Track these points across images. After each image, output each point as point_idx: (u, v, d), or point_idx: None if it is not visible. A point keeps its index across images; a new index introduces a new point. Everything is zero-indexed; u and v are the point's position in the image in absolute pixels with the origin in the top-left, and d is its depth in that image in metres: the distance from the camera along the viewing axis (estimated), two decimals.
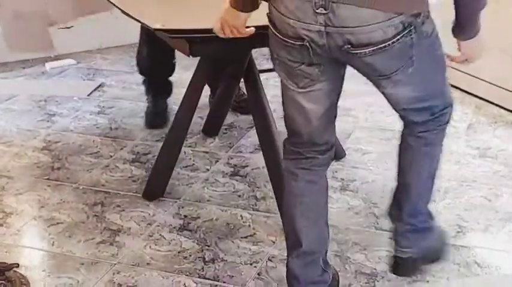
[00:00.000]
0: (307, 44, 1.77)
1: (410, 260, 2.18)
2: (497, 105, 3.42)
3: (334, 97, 2.01)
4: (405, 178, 2.18)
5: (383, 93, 2.02)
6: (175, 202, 2.73)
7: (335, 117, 2.08)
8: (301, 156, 2.02)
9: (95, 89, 3.90)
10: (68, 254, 2.42)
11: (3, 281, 1.88)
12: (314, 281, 2.07)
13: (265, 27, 2.13)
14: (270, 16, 1.87)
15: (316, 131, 1.99)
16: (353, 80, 3.85)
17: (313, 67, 1.84)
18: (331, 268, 2.14)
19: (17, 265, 1.93)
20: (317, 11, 1.70)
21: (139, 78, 4.02)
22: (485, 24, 3.40)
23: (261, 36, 2.24)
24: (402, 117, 2.12)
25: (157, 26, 2.09)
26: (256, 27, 2.14)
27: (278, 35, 1.84)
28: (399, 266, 2.21)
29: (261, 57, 3.47)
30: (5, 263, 1.90)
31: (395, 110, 2.10)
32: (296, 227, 2.04)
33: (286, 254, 2.30)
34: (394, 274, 2.23)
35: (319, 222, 2.08)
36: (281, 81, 1.97)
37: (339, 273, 2.22)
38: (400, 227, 2.18)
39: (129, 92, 3.86)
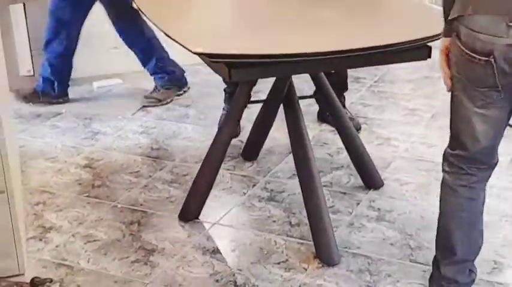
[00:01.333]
0: (493, 60, 1.79)
1: None
2: None
3: (506, 122, 2.00)
4: None
5: None
6: (211, 224, 2.74)
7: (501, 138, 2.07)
8: (462, 171, 2.04)
9: (139, 109, 3.95)
10: (102, 271, 2.44)
11: None
12: (463, 283, 2.16)
13: (307, 54, 2.15)
14: (457, 34, 1.89)
15: (483, 151, 2.01)
16: (391, 109, 3.86)
17: (493, 91, 1.86)
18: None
19: (51, 280, 1.95)
20: (510, 24, 1.74)
21: (184, 99, 4.07)
22: None
23: (302, 62, 2.27)
24: None
25: (199, 50, 2.11)
26: (297, 54, 2.16)
27: (464, 49, 1.85)
28: None
29: (302, 83, 3.47)
30: (39, 278, 1.92)
31: None
32: (452, 239, 2.10)
33: (317, 283, 2.31)
34: None
35: (474, 233, 2.14)
36: (455, 95, 1.98)
37: None
38: None
39: (171, 113, 3.89)
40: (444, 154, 2.10)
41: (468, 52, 1.84)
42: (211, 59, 2.19)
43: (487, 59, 1.80)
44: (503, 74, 1.81)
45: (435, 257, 2.19)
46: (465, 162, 2.02)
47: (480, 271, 2.34)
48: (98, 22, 4.36)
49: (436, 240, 2.20)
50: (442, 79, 2.04)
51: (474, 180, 2.04)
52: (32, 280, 1.89)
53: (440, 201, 2.17)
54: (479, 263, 2.38)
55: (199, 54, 2.13)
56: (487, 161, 2.04)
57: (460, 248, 2.10)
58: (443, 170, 2.12)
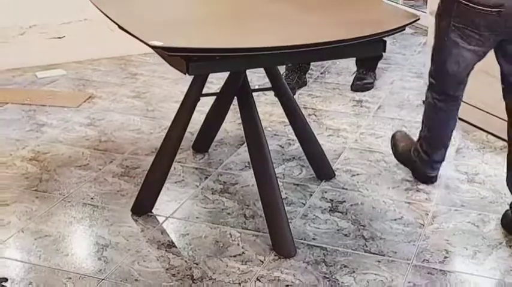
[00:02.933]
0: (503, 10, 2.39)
1: None
2: (485, 131, 3.44)
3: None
4: None
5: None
6: (164, 217, 2.72)
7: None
8: (448, 96, 2.78)
9: (85, 100, 3.88)
10: (55, 267, 2.39)
11: None
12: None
13: (260, 49, 2.15)
14: None
15: (465, 75, 2.72)
16: (339, 101, 3.92)
17: (493, 35, 2.50)
18: None
19: (6, 280, 1.90)
20: None
21: (130, 90, 4.03)
22: None
23: (256, 57, 2.27)
24: None
25: (155, 44, 2.08)
26: (252, 48, 2.16)
27: (473, 5, 2.43)
28: None
29: (254, 77, 3.49)
30: None
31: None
32: (443, 138, 2.89)
33: (274, 275, 2.32)
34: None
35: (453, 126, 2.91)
36: (450, 39, 2.58)
37: None
38: None
39: (119, 105, 3.85)
40: (429, 94, 2.81)
41: (480, 7, 2.42)
42: (169, 53, 2.16)
43: (498, 10, 2.39)
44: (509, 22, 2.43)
45: (422, 150, 2.88)
46: (450, 87, 2.74)
47: (432, 261, 2.42)
48: (41, 12, 4.29)
49: (427, 142, 2.88)
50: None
51: (453, 99, 2.80)
52: None
53: (427, 118, 2.88)
54: (432, 252, 2.46)
55: (157, 48, 2.10)
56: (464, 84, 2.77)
57: (447, 140, 2.90)
58: (431, 97, 2.80)
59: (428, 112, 2.89)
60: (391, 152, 3.12)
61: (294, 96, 3.59)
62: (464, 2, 2.45)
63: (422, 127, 2.93)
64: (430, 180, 2.97)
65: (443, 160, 2.94)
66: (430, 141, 2.89)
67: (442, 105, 2.81)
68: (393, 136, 3.15)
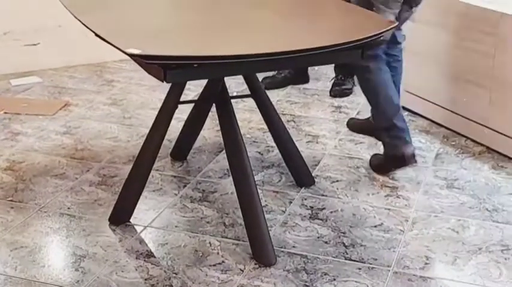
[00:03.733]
0: None
1: None
2: (464, 136, 3.47)
3: None
4: None
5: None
6: (143, 227, 2.70)
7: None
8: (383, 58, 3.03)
9: (61, 108, 3.86)
10: (31, 279, 2.36)
11: None
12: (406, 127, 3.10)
13: (238, 56, 2.15)
14: None
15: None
16: (317, 106, 3.94)
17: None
18: None
19: None
20: None
21: (107, 98, 4.02)
22: (459, 57, 3.52)
23: (233, 64, 2.27)
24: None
25: (132, 51, 2.07)
26: (229, 56, 2.15)
27: None
28: None
29: (233, 84, 3.49)
30: None
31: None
32: (394, 98, 3.05)
33: (255, 284, 2.31)
34: None
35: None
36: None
37: None
38: None
39: (96, 112, 3.83)
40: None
41: None
42: (146, 61, 2.15)
43: None
44: None
45: (388, 121, 3.02)
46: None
47: (413, 267, 2.43)
48: (15, 19, 4.26)
49: (384, 110, 3.05)
50: None
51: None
52: None
53: (376, 85, 3.05)
54: (412, 259, 2.47)
55: (134, 56, 2.09)
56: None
57: (398, 101, 3.06)
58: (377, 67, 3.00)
59: (375, 86, 3.08)
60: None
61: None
62: None
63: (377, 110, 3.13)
64: (413, 158, 3.03)
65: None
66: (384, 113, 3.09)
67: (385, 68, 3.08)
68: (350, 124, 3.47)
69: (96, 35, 2.31)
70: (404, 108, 3.70)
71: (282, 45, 2.21)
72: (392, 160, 3.06)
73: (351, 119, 3.63)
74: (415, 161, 3.05)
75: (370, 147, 3.39)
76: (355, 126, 3.53)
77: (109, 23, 2.46)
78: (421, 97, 3.68)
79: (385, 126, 3.06)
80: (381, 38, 2.42)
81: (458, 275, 2.39)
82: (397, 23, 2.52)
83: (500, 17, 3.15)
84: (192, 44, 2.29)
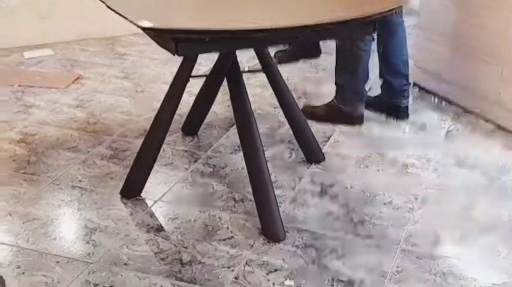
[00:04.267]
0: None
1: None
2: (475, 113, 3.46)
3: None
4: None
5: None
6: (153, 201, 2.72)
7: None
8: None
9: (73, 81, 3.86)
10: (43, 251, 2.38)
11: None
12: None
13: (250, 30, 2.14)
14: None
15: None
16: (328, 82, 3.91)
17: None
18: None
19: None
20: None
21: (119, 71, 4.01)
22: (470, 33, 3.48)
23: (245, 38, 2.26)
24: None
25: (144, 24, 2.07)
26: (240, 31, 2.14)
27: None
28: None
29: (244, 59, 3.47)
30: None
31: None
32: (367, 71, 3.36)
33: (263, 259, 2.32)
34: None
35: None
36: None
37: (315, 280, 2.23)
38: None
39: (108, 86, 3.84)
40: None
41: None
42: (159, 34, 2.15)
43: None
44: None
45: (360, 86, 3.34)
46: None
47: (421, 245, 2.43)
48: None
49: (360, 78, 3.32)
50: None
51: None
52: None
53: (361, 58, 3.28)
54: (420, 237, 2.47)
55: (147, 29, 2.09)
56: None
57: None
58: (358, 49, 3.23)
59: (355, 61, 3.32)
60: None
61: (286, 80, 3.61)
62: None
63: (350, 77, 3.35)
64: (362, 118, 3.38)
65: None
66: (357, 79, 3.35)
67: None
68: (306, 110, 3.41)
69: (109, 7, 2.30)
70: (415, 84, 3.73)
71: (295, 19, 2.22)
72: (345, 116, 3.35)
73: (307, 106, 3.51)
74: (361, 122, 3.38)
75: (384, 122, 3.40)
76: (315, 113, 3.43)
77: None
78: (432, 73, 3.66)
79: (354, 90, 3.31)
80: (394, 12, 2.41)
81: (467, 254, 2.40)
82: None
83: None
84: (203, 18, 2.28)
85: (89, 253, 2.37)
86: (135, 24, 2.07)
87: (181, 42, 2.15)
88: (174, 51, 2.17)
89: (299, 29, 2.17)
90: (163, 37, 2.18)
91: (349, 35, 2.69)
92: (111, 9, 2.28)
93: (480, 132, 3.30)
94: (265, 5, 2.41)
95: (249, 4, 2.41)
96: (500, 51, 3.24)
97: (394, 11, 2.36)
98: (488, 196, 2.75)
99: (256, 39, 2.30)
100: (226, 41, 2.28)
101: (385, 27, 3.20)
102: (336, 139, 3.23)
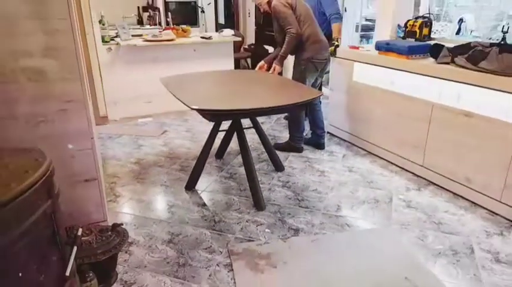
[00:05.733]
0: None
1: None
2: (357, 146, 3.41)
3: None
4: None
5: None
6: (201, 191, 2.66)
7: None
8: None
9: (162, 133, 3.85)
10: (147, 217, 2.34)
11: (115, 233, 1.84)
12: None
13: (247, 109, 2.13)
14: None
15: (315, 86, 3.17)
16: (286, 133, 3.85)
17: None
18: None
19: (122, 224, 1.88)
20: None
21: (185, 129, 3.98)
22: (354, 105, 3.41)
23: (244, 113, 2.25)
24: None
25: (194, 107, 2.07)
26: (242, 109, 2.12)
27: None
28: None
29: (245, 121, 3.46)
30: (116, 223, 1.85)
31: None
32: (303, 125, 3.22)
33: (255, 219, 2.28)
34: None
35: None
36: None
37: (280, 229, 2.19)
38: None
39: (180, 134, 3.79)
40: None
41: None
42: (202, 111, 2.16)
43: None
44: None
45: (300, 133, 3.19)
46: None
47: (331, 210, 2.40)
48: (142, 88, 4.22)
49: (301, 130, 3.18)
50: None
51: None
52: (113, 224, 1.83)
53: (301, 119, 3.16)
54: (331, 206, 2.43)
55: (194, 109, 2.09)
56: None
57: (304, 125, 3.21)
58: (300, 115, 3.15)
59: (299, 122, 3.20)
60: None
61: (264, 129, 3.58)
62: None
63: (296, 130, 3.21)
64: (302, 149, 3.26)
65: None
66: (300, 130, 3.21)
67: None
68: (275, 145, 3.31)
69: (178, 99, 2.31)
70: (328, 132, 3.68)
71: (269, 103, 2.21)
72: (295, 148, 3.25)
73: (275, 143, 3.36)
74: (302, 151, 3.26)
75: (313, 151, 3.34)
76: (279, 146, 3.30)
77: (183, 93, 2.44)
78: (337, 127, 3.66)
79: (298, 135, 3.23)
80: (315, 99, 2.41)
81: (355, 215, 2.37)
82: (322, 93, 2.50)
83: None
84: (223, 103, 2.27)
85: (169, 217, 2.35)
86: (188, 106, 2.07)
87: (212, 115, 2.16)
88: (209, 119, 2.19)
89: (272, 108, 2.17)
90: (203, 112, 2.17)
91: (295, 110, 2.70)
92: (178, 99, 2.28)
93: (359, 155, 3.27)
94: (255, 97, 2.40)
95: (247, 96, 2.41)
96: (371, 115, 3.18)
97: (315, 99, 2.39)
98: (362, 186, 2.72)
99: (250, 113, 2.32)
100: (235, 114, 2.27)
101: (311, 105, 3.21)
102: (289, 159, 3.20)
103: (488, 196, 2.36)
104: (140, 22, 5.69)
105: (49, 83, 1.81)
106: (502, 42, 2.53)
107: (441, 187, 2.66)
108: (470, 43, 2.47)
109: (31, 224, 1.20)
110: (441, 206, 2.43)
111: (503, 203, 2.29)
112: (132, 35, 4.35)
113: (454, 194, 2.57)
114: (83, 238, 1.73)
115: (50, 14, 1.72)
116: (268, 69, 3.10)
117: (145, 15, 5.71)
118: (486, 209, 2.39)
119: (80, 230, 1.60)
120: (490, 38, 3.24)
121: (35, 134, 1.84)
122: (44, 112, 1.84)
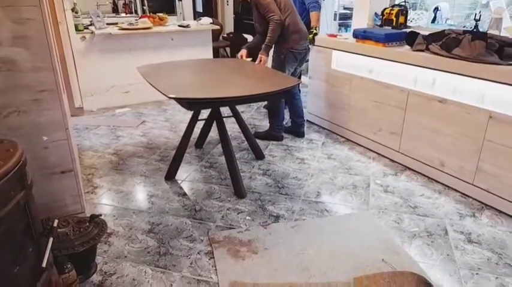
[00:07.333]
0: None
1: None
2: (336, 133, 3.44)
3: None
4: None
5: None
6: (181, 181, 2.64)
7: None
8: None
9: (140, 123, 3.80)
10: (126, 207, 2.32)
11: (93, 224, 1.81)
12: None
13: (226, 97, 2.12)
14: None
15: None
16: (266, 121, 3.87)
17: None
18: None
19: (100, 215, 1.86)
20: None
21: (164, 118, 3.93)
22: (334, 95, 3.46)
23: (223, 101, 2.23)
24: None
25: (171, 96, 2.05)
26: (221, 97, 2.12)
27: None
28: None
29: (224, 110, 3.46)
30: (94, 214, 1.83)
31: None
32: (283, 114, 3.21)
33: (236, 207, 2.30)
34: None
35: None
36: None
37: (261, 216, 2.20)
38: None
39: (158, 124, 3.75)
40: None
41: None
42: (180, 100, 2.13)
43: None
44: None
45: (280, 122, 3.18)
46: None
47: (311, 197, 2.42)
48: (118, 78, 4.14)
49: (280, 118, 3.16)
50: None
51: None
52: (91, 215, 1.80)
53: (280, 108, 3.15)
54: (311, 193, 2.46)
55: (172, 98, 2.06)
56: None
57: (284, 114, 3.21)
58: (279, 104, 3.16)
59: (278, 110, 3.19)
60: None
61: (244, 118, 3.58)
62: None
63: (276, 118, 3.18)
64: (282, 138, 3.25)
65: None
66: (280, 119, 3.19)
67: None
68: (255, 134, 3.28)
69: (154, 87, 2.27)
70: (307, 120, 3.70)
71: (248, 91, 2.21)
72: (275, 137, 3.24)
73: (256, 132, 3.35)
74: (282, 139, 3.25)
75: (293, 139, 3.34)
76: (259, 135, 3.30)
77: (161, 82, 2.41)
78: (316, 115, 3.68)
79: (278, 124, 3.22)
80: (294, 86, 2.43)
81: (333, 200, 2.40)
82: (300, 81, 2.52)
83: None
84: (202, 91, 2.26)
85: (149, 207, 2.33)
86: (165, 95, 2.03)
87: (191, 104, 2.13)
88: (188, 108, 2.16)
89: (251, 96, 2.16)
90: (181, 101, 2.15)
91: (274, 98, 2.71)
92: (154, 87, 2.24)
93: (338, 142, 3.29)
94: (234, 85, 2.38)
95: (226, 85, 2.40)
96: (347, 103, 3.24)
97: (294, 86, 2.39)
98: (341, 172, 2.75)
99: (229, 101, 2.29)
100: (214, 103, 2.25)
101: (290, 94, 3.22)
102: (270, 148, 3.21)
103: (461, 179, 2.45)
104: (115, 10, 5.53)
105: (20, 73, 1.75)
106: (475, 30, 2.60)
107: (417, 172, 2.73)
108: (444, 31, 2.53)
109: (4, 215, 1.17)
110: (417, 190, 2.51)
111: (475, 186, 2.38)
112: (107, 24, 4.22)
113: (429, 178, 2.65)
114: (59, 230, 1.70)
115: (19, 1, 1.65)
116: (248, 55, 3.07)
117: (120, 3, 5.54)
118: (459, 192, 2.47)
119: (56, 221, 1.57)
120: (464, 26, 3.32)
121: (7, 124, 1.78)
122: (15, 102, 1.78)
